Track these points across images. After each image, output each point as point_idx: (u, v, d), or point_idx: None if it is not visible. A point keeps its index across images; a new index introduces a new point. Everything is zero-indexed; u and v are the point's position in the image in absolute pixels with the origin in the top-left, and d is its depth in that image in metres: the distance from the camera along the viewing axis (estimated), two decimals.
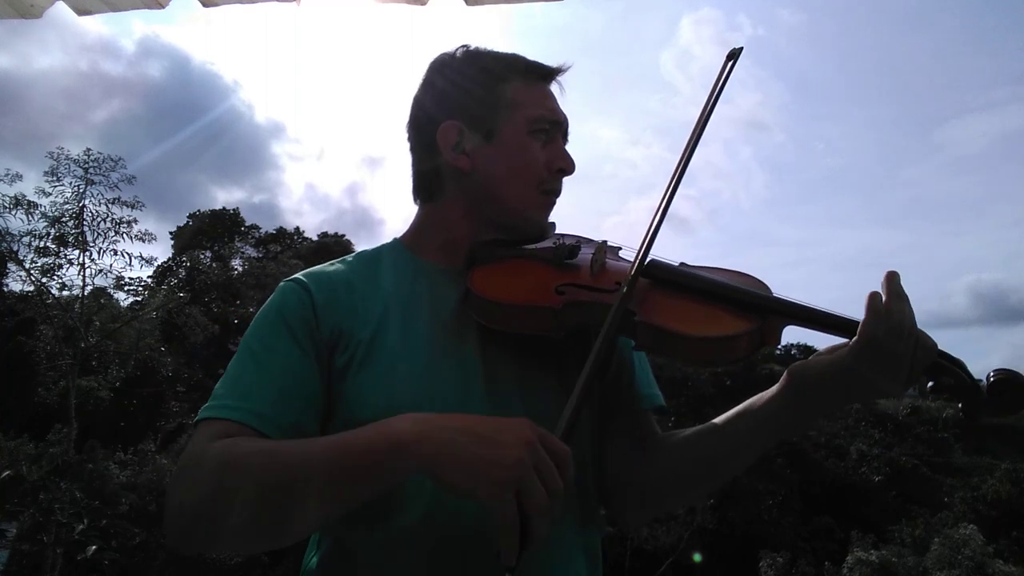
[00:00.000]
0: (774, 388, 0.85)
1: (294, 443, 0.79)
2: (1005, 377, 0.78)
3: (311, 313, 0.94)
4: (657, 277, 0.94)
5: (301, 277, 0.99)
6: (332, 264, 1.05)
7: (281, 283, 1.00)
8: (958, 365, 0.81)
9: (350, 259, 1.06)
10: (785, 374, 0.84)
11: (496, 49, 1.07)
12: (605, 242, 1.00)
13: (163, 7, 1.41)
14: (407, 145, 1.09)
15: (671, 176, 0.94)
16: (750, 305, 0.87)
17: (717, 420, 0.92)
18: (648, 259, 0.93)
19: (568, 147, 1.07)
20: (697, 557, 20.49)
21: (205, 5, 1.40)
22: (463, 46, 1.07)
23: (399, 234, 1.12)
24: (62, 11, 1.43)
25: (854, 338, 0.78)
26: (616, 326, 0.87)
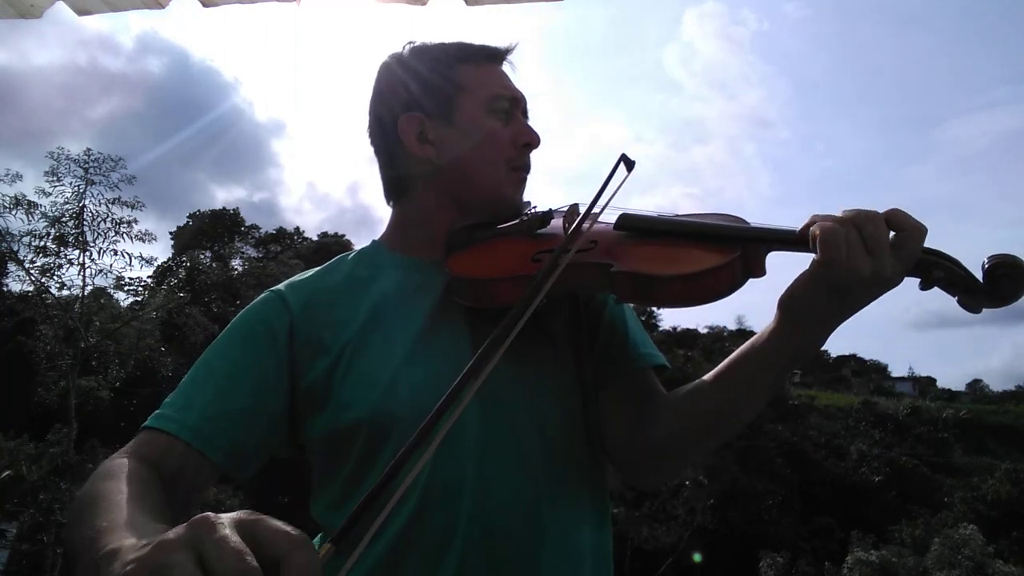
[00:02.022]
0: (769, 324, 0.83)
1: (107, 517, 0.67)
2: (1001, 261, 0.73)
3: (285, 322, 0.95)
4: (628, 227, 0.93)
5: (281, 287, 1.01)
6: (313, 271, 1.05)
7: (263, 293, 1.01)
8: (948, 259, 0.76)
9: (331, 264, 1.07)
10: (776, 307, 0.81)
11: (441, 39, 1.07)
12: (576, 205, 0.98)
13: (163, 7, 1.41)
14: (371, 150, 1.10)
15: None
16: (726, 237, 0.85)
17: (720, 368, 0.89)
18: (620, 212, 0.93)
19: (537, 132, 1.06)
20: (697, 557, 20.50)
21: (205, 5, 1.39)
22: (408, 42, 1.08)
23: (377, 237, 1.12)
24: (62, 11, 1.43)
25: (816, 258, 0.75)
26: (592, 279, 0.87)
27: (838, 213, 0.77)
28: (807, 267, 0.77)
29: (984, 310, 0.75)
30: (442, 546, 0.84)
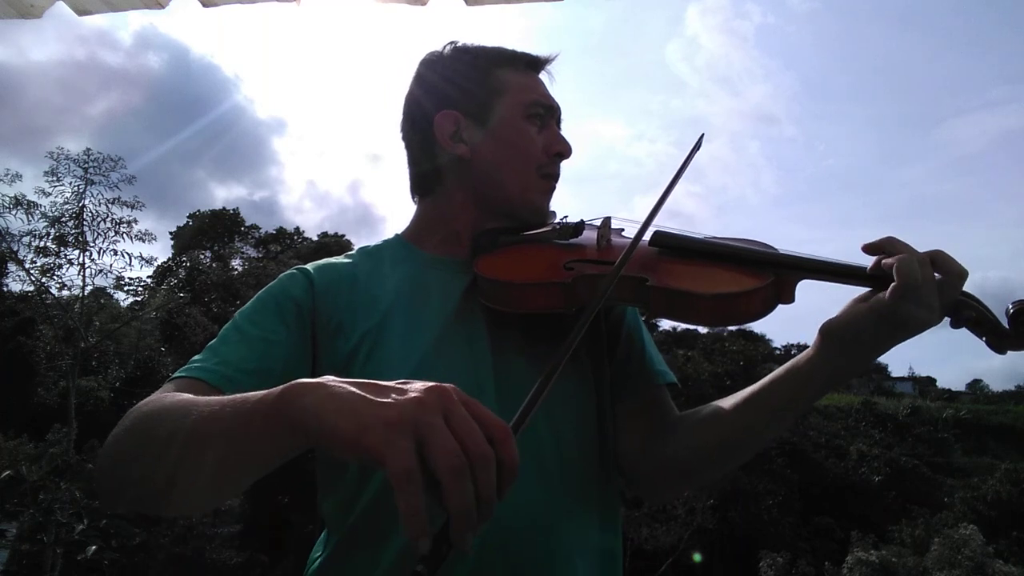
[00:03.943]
0: (810, 351, 0.84)
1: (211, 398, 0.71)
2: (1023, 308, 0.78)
3: (309, 299, 0.96)
4: (666, 244, 0.95)
5: (308, 267, 1.02)
6: (338, 258, 1.06)
7: (288, 270, 1.02)
8: (977, 301, 0.81)
9: (354, 254, 1.07)
10: (819, 336, 0.82)
11: (483, 43, 1.08)
12: (609, 218, 1.01)
13: (163, 7, 1.41)
14: (402, 143, 1.10)
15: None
16: (761, 262, 0.87)
17: (750, 390, 0.90)
18: (654, 229, 0.94)
19: (569, 142, 1.07)
20: (697, 557, 20.50)
21: (205, 5, 1.39)
22: (451, 42, 1.09)
23: (400, 231, 1.12)
24: (62, 11, 1.43)
25: (893, 284, 0.77)
26: (627, 292, 0.88)
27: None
28: (864, 298, 0.80)
29: (1008, 352, 0.80)
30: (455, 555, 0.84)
